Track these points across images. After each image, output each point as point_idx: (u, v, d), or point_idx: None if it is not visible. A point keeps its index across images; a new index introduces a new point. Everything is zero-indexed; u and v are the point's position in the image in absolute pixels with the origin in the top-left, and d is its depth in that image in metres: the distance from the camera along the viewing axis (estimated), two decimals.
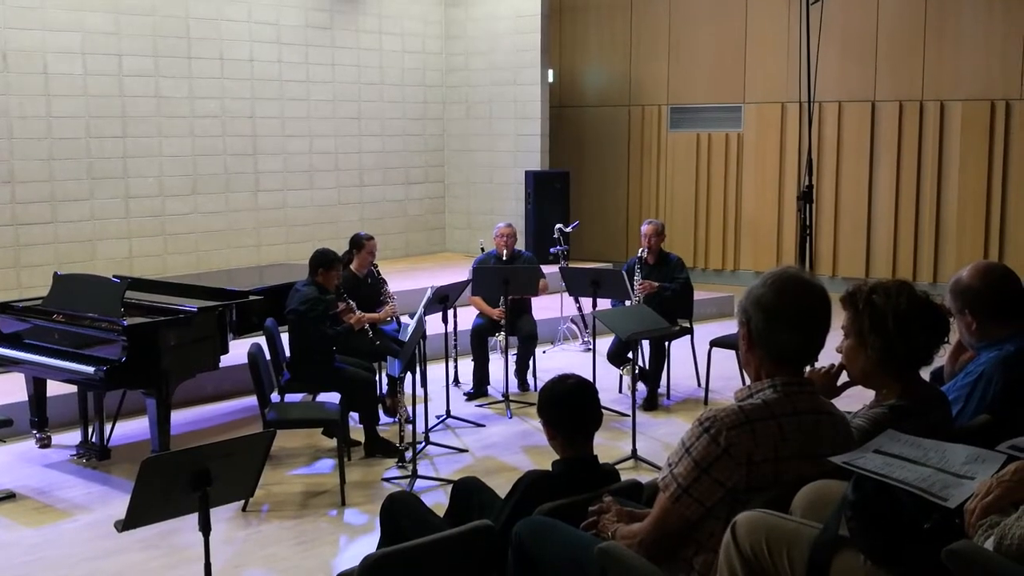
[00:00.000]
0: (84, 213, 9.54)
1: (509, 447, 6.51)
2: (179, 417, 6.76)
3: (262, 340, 6.33)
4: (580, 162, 13.30)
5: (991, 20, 10.79)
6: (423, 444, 6.32)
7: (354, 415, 6.64)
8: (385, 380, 7.02)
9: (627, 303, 7.29)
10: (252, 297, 6.68)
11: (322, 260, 6.47)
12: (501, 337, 7.53)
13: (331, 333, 6.35)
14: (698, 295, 8.30)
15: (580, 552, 2.88)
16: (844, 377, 3.12)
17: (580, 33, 13.56)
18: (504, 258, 7.78)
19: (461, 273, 8.88)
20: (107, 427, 6.21)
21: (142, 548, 4.85)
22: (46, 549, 4.95)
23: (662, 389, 7.52)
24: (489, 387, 7.69)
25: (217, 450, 3.36)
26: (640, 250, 7.68)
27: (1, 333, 6.26)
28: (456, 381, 7.81)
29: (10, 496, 5.60)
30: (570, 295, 8.78)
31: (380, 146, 12.24)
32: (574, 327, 9.46)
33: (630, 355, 6.83)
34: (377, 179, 12.24)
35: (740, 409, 2.61)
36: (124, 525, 3.24)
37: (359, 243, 7.31)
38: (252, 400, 6.57)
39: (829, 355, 2.97)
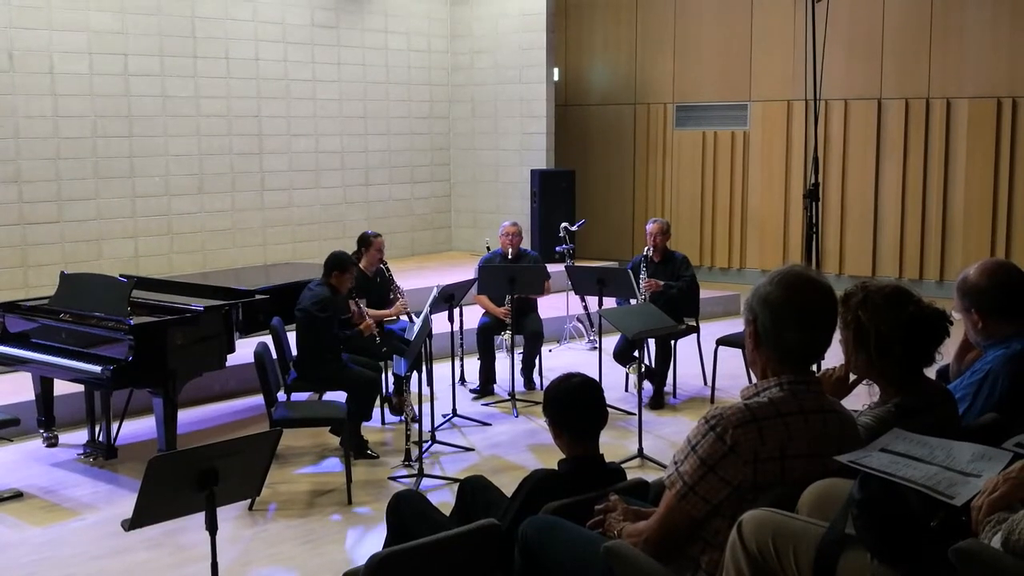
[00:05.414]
0: (90, 212, 9.56)
1: (515, 446, 6.51)
2: (186, 416, 6.77)
3: (268, 339, 6.34)
4: (586, 161, 13.29)
5: (997, 17, 10.76)
6: (429, 443, 6.33)
7: None
8: (392, 379, 7.02)
9: (633, 302, 7.28)
10: (258, 296, 6.69)
11: (338, 263, 6.48)
12: (507, 336, 7.54)
13: (340, 335, 6.36)
14: (704, 293, 8.29)
15: (586, 551, 2.88)
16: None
17: (585, 31, 13.55)
18: (510, 257, 7.79)
19: (467, 272, 8.88)
20: (114, 426, 6.22)
21: (149, 547, 4.87)
22: (53, 548, 4.96)
23: (668, 388, 7.52)
24: (495, 386, 7.70)
25: (224, 449, 3.37)
26: (645, 248, 7.67)
27: (8, 332, 6.28)
28: (462, 380, 7.82)
29: (17, 495, 5.62)
30: (576, 294, 8.79)
31: (386, 145, 12.24)
32: (580, 326, 9.46)
33: (636, 354, 6.83)
34: (383, 178, 12.24)
35: (746, 407, 2.61)
36: (131, 524, 3.25)
37: (367, 241, 7.32)
38: (259, 399, 6.59)
39: (836, 352, 2.97)
